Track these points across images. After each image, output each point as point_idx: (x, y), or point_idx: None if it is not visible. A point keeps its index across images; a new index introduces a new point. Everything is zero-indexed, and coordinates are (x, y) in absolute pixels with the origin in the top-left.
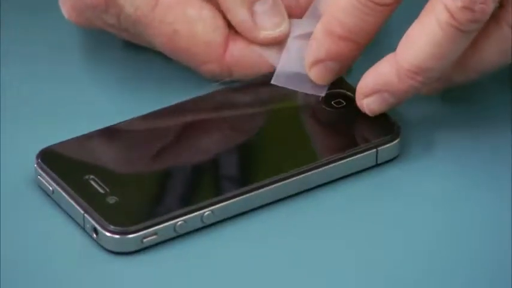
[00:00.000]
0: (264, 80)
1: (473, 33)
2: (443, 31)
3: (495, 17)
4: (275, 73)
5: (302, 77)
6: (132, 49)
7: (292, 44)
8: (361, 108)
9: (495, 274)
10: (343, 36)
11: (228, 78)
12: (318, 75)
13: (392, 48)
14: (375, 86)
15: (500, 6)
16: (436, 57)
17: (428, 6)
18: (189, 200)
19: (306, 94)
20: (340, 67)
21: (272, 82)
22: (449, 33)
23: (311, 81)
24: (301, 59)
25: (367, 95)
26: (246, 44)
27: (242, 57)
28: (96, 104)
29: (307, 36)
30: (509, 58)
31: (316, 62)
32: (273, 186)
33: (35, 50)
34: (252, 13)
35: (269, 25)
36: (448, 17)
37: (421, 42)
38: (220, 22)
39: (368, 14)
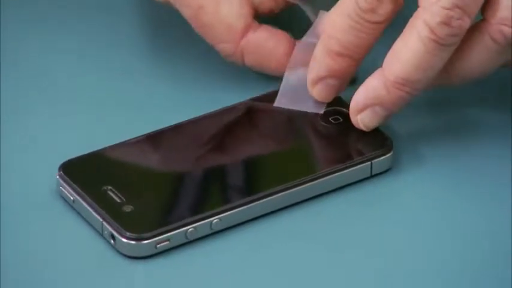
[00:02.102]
0: (268, 99)
1: (453, 46)
2: (424, 45)
3: (479, 28)
4: (277, 97)
5: (302, 98)
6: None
7: (291, 69)
8: (356, 125)
9: (490, 283)
10: (341, 53)
11: (240, 62)
12: (320, 92)
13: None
14: (366, 101)
15: (484, 19)
16: (420, 69)
17: (410, 23)
18: (199, 208)
19: (306, 112)
20: (339, 83)
21: (275, 105)
22: (430, 46)
23: (310, 101)
24: (300, 81)
25: (360, 111)
26: (263, 36)
27: (256, 46)
28: (117, 116)
29: (307, 61)
30: (490, 68)
31: (318, 80)
32: (277, 195)
33: (59, 62)
34: None
35: None
36: (429, 32)
37: (405, 56)
38: (245, 11)
39: (362, 32)
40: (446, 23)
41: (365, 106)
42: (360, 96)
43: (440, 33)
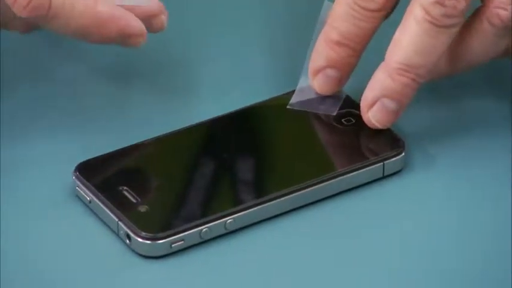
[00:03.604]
0: (282, 101)
1: (451, 28)
2: (421, 27)
3: (478, 13)
4: (291, 99)
5: (316, 100)
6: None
7: (305, 75)
8: (368, 123)
9: (505, 281)
10: (340, 41)
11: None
12: (320, 84)
13: None
14: (374, 95)
15: (482, 3)
16: (420, 53)
17: (407, 10)
18: (213, 208)
19: (320, 114)
20: (339, 75)
21: (288, 107)
22: (426, 28)
23: (323, 102)
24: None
25: (369, 107)
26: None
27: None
28: (131, 118)
29: None
30: (492, 52)
31: (318, 71)
32: (290, 196)
33: (81, 67)
34: None
35: None
36: (423, 13)
37: (404, 41)
38: None
39: (360, 20)
40: (439, 2)
41: (373, 100)
42: (367, 92)
43: (434, 13)
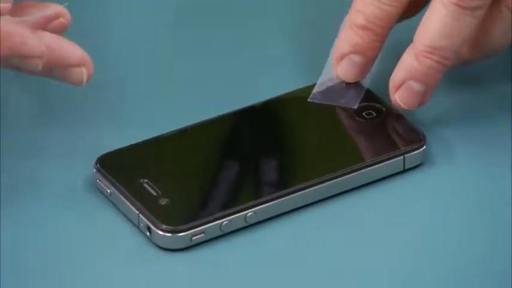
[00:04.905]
0: (303, 94)
1: (476, 10)
2: (447, 10)
3: (496, 0)
4: (312, 92)
5: (337, 93)
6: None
7: (328, 65)
8: (396, 104)
9: None
10: (364, 25)
11: None
12: (344, 70)
13: None
14: (400, 77)
15: None
16: (445, 36)
17: None
18: (233, 201)
19: (341, 107)
20: (364, 61)
21: (309, 100)
22: (452, 11)
23: (344, 96)
24: (335, 77)
25: (397, 88)
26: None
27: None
28: (152, 111)
29: None
30: (510, 39)
31: (341, 57)
32: (310, 189)
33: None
34: None
35: None
36: None
37: (430, 24)
38: None
39: (385, 3)
40: None
41: (400, 82)
42: (394, 74)
43: None
